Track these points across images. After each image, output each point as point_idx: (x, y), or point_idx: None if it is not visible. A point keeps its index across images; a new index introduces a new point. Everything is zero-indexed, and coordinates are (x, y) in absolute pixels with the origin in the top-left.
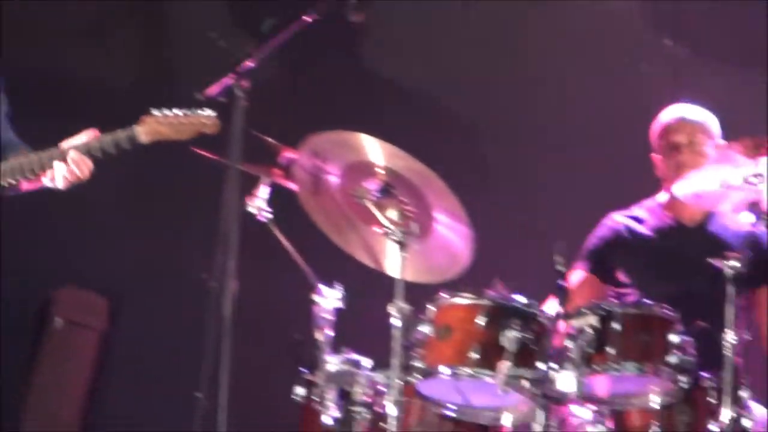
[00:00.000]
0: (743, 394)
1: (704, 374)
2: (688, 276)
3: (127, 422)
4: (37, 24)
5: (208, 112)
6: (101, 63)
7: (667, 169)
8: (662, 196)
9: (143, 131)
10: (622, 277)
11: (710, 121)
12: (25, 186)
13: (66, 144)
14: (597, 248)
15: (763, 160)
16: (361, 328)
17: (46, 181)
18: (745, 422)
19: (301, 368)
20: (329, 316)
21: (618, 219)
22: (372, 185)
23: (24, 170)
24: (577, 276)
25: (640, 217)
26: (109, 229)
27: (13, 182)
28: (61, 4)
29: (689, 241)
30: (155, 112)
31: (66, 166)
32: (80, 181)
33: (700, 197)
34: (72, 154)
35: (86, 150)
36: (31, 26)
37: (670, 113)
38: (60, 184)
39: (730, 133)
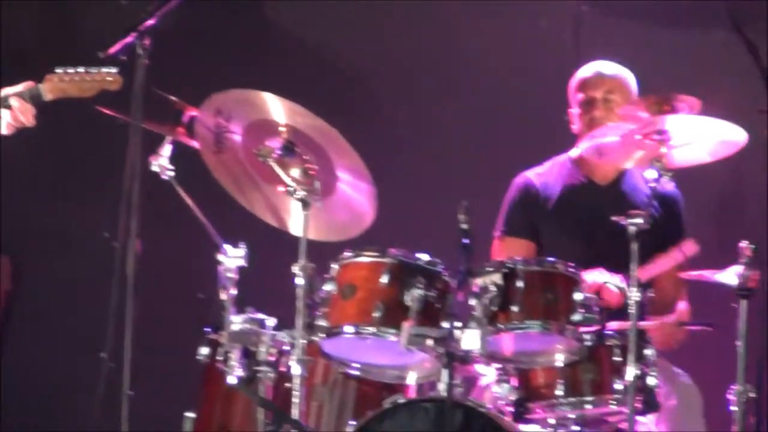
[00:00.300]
0: (648, 352)
1: (609, 332)
2: (596, 234)
3: (31, 382)
4: None
5: (111, 70)
6: (3, 21)
7: (581, 124)
8: (575, 152)
9: (47, 89)
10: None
11: (628, 77)
12: None
13: (4, 92)
14: (514, 210)
15: (667, 116)
16: (265, 288)
17: None
18: (650, 380)
19: (205, 328)
20: (233, 276)
21: (529, 176)
22: (275, 144)
23: None
24: (501, 245)
25: (551, 174)
26: (11, 189)
27: None
28: None
29: (599, 199)
30: (58, 70)
31: (10, 113)
32: (25, 126)
33: (601, 152)
34: (13, 102)
35: (28, 96)
36: None
37: (587, 68)
38: (4, 130)
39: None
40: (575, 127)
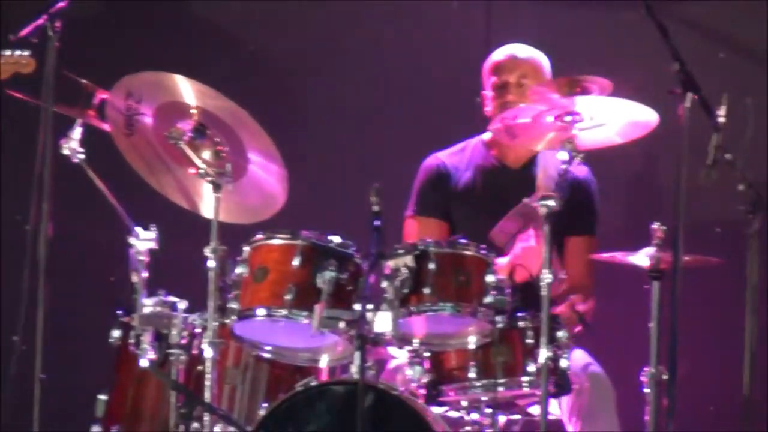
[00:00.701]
0: (560, 334)
1: (521, 314)
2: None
3: None
4: None
5: (24, 53)
6: None
7: (494, 108)
8: (488, 135)
9: None
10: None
11: (542, 60)
12: None
13: None
14: (425, 190)
15: (578, 98)
16: (177, 270)
17: None
18: (563, 362)
19: (117, 311)
20: (144, 258)
21: (440, 157)
22: (186, 126)
23: None
24: (413, 225)
25: (462, 156)
26: None
27: None
28: None
29: (510, 182)
30: None
31: None
32: None
33: (512, 134)
34: None
35: None
36: None
37: (501, 51)
38: None
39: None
40: (488, 109)
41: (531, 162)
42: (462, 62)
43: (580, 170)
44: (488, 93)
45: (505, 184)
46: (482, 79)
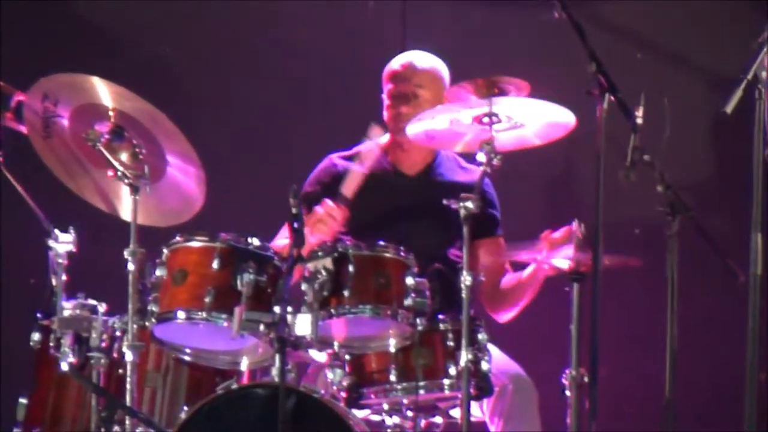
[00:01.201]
0: (480, 336)
1: (441, 317)
2: (404, 223)
3: None
4: None
5: None
6: None
7: (389, 116)
8: (384, 139)
9: None
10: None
11: (441, 70)
12: None
13: None
14: (313, 190)
15: (496, 99)
16: (97, 273)
17: None
18: (484, 365)
19: (36, 313)
20: (63, 261)
21: (335, 160)
22: (103, 128)
23: None
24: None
25: (357, 158)
26: None
27: None
28: None
29: (406, 190)
30: None
31: None
32: None
33: (431, 137)
34: None
35: None
36: None
37: (399, 60)
38: None
39: (459, 73)
40: (387, 117)
41: (427, 169)
42: (378, 62)
43: (475, 175)
44: (385, 100)
45: (398, 189)
46: (381, 84)
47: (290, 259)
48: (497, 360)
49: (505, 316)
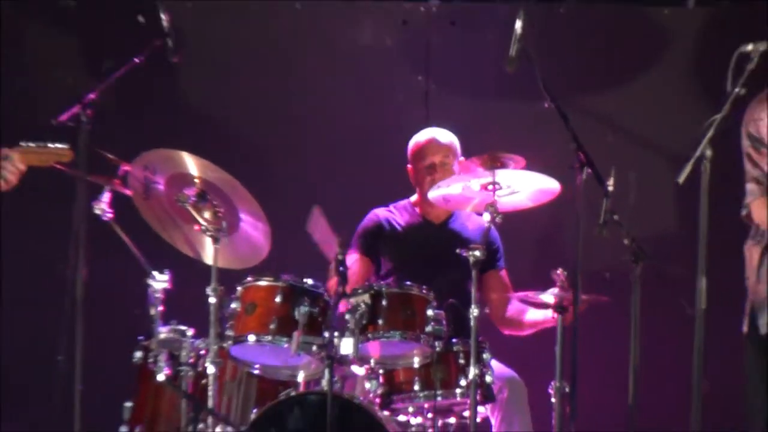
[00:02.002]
0: (485, 355)
1: (454, 340)
2: (432, 263)
3: (6, 380)
4: None
5: (64, 146)
6: None
7: (424, 183)
8: (414, 198)
9: (17, 159)
10: (385, 261)
11: (455, 141)
12: None
13: None
14: (364, 236)
15: (498, 171)
16: (186, 305)
17: None
18: (488, 378)
19: (138, 337)
20: (160, 296)
21: (379, 213)
22: (191, 192)
23: None
24: (352, 258)
25: (396, 213)
26: None
27: None
28: None
29: (433, 236)
30: (22, 144)
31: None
32: (9, 187)
33: (447, 200)
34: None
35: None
36: None
37: (424, 136)
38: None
39: (469, 149)
40: (413, 180)
41: (448, 219)
42: (402, 139)
43: (488, 226)
44: (413, 168)
45: (429, 236)
46: (408, 156)
47: (337, 295)
48: (496, 367)
49: (511, 333)
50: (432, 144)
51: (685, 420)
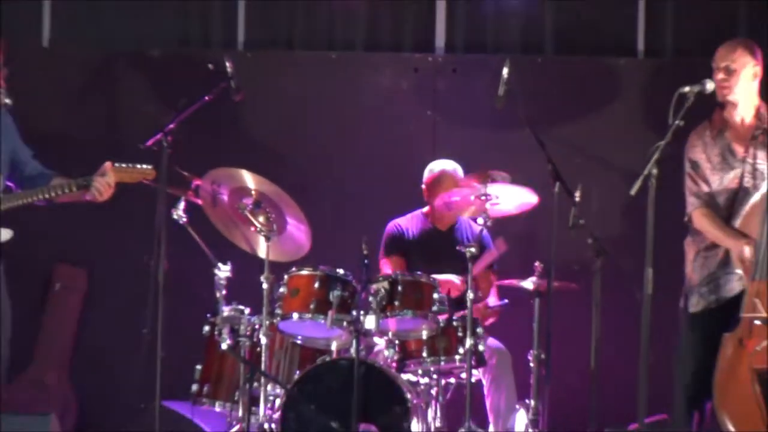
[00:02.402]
0: (479, 330)
1: (454, 318)
2: (439, 259)
3: (99, 350)
4: (38, 92)
5: (149, 166)
6: (80, 124)
7: (441, 204)
8: (426, 209)
9: (111, 176)
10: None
11: (458, 168)
12: (59, 200)
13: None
14: (388, 243)
15: (490, 185)
16: (244, 289)
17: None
18: (480, 347)
19: (207, 314)
20: (224, 282)
21: (397, 223)
22: (248, 201)
23: (61, 189)
24: (384, 263)
25: (410, 222)
26: (87, 229)
27: (53, 195)
28: (61, 80)
29: (441, 239)
30: (117, 164)
31: (95, 189)
32: (104, 198)
33: (449, 207)
34: (97, 182)
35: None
36: (33, 94)
37: (437, 167)
38: (96, 198)
39: (467, 168)
40: (426, 197)
41: (452, 226)
42: (413, 163)
43: (481, 229)
44: (427, 189)
45: (437, 240)
46: (427, 181)
47: (364, 283)
48: (488, 340)
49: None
50: (445, 176)
51: (635, 378)
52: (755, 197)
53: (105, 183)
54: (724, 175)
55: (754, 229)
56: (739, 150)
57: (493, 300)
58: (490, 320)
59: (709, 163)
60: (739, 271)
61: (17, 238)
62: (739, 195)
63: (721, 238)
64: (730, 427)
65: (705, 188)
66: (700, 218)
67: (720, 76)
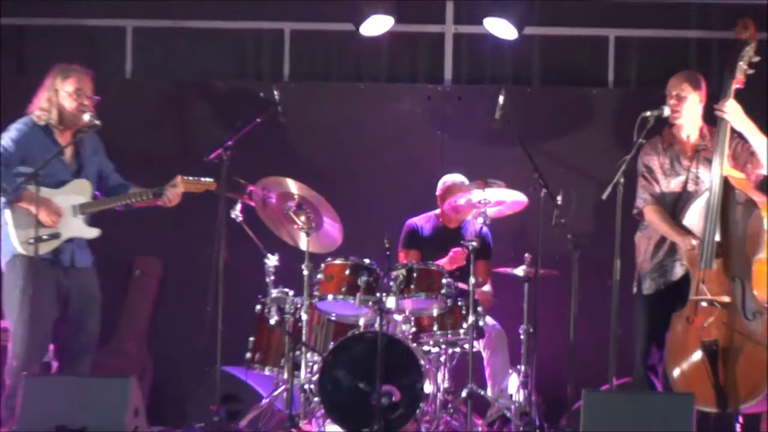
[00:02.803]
0: (479, 308)
1: (459, 299)
2: (449, 252)
3: (171, 324)
4: (121, 116)
5: (211, 179)
6: (154, 143)
7: (450, 210)
8: (437, 211)
9: (180, 186)
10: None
11: (464, 180)
12: (137, 205)
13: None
14: (406, 238)
15: (489, 190)
16: (289, 275)
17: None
18: (480, 322)
19: (258, 296)
20: (272, 269)
21: (414, 221)
22: (292, 204)
23: (138, 197)
24: (402, 255)
25: (425, 221)
26: (162, 227)
27: (131, 202)
28: (140, 105)
29: (450, 235)
30: (184, 177)
31: (166, 197)
32: (173, 204)
33: (456, 211)
34: (168, 192)
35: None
36: (117, 117)
37: (449, 179)
38: (170, 204)
39: (470, 177)
40: (439, 203)
41: (459, 225)
42: (426, 175)
43: (484, 228)
44: (439, 196)
45: (447, 236)
46: (439, 191)
47: (386, 270)
48: (487, 319)
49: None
50: (453, 185)
51: (606, 348)
52: (697, 201)
53: (175, 193)
54: (672, 180)
55: (695, 226)
56: (685, 161)
57: (488, 288)
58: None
59: (660, 169)
60: (682, 259)
61: (104, 235)
62: (683, 198)
63: (670, 233)
64: (681, 387)
65: (657, 189)
66: (651, 213)
67: (672, 102)
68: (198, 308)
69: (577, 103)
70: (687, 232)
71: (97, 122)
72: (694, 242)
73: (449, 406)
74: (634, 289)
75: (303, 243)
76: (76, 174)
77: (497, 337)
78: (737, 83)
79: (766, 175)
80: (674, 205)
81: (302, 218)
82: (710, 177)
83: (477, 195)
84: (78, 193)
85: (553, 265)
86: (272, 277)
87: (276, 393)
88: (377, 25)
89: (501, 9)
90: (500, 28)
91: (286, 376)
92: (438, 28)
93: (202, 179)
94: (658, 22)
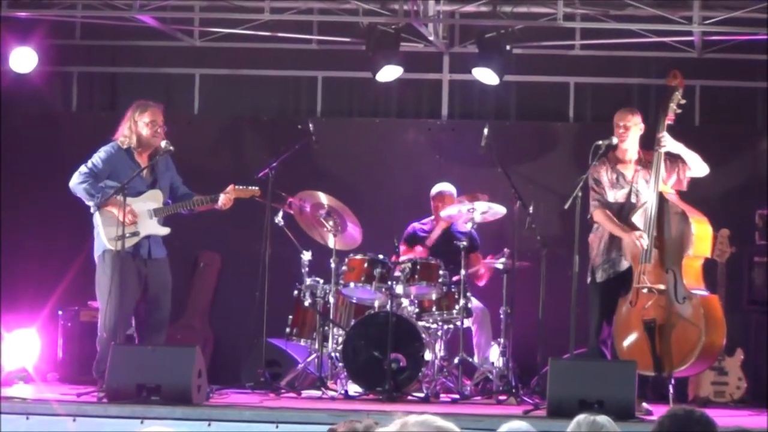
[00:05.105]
0: (468, 294)
1: (452, 286)
2: (443, 249)
3: (228, 305)
4: (189, 142)
5: (256, 188)
6: (215, 163)
7: (445, 218)
8: (433, 217)
9: (231, 193)
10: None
11: (453, 190)
12: (198, 210)
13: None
14: (408, 237)
15: (475, 203)
16: (320, 267)
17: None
18: (469, 304)
19: (296, 283)
20: (307, 263)
21: (415, 225)
22: (323, 211)
23: (200, 202)
24: (403, 248)
25: (425, 224)
26: (222, 227)
27: (194, 207)
28: (204, 134)
29: (444, 235)
30: (236, 186)
31: (222, 201)
32: (227, 208)
33: (450, 217)
34: (222, 198)
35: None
36: (186, 142)
37: (440, 188)
38: (224, 207)
39: (461, 190)
40: (433, 209)
41: (449, 227)
42: (424, 187)
43: (471, 229)
44: (432, 203)
45: (441, 236)
46: (433, 198)
47: (393, 263)
48: (475, 302)
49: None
50: (444, 195)
51: (567, 325)
52: (639, 211)
53: (228, 198)
54: (617, 192)
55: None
56: (628, 177)
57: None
58: (484, 280)
59: (608, 181)
60: (626, 256)
61: (176, 235)
62: (625, 207)
63: (617, 231)
64: (626, 356)
65: (604, 197)
66: (600, 214)
67: (620, 130)
68: (249, 293)
69: (545, 134)
70: (630, 228)
71: (171, 148)
72: (637, 233)
73: (444, 370)
74: (589, 279)
75: (331, 242)
76: (151, 186)
77: (482, 316)
78: (669, 120)
79: (692, 177)
80: (619, 214)
81: (330, 223)
82: (648, 192)
83: (466, 206)
84: (153, 200)
85: (526, 259)
86: (306, 269)
87: (309, 359)
88: (389, 73)
89: (486, 61)
90: (485, 76)
91: (317, 346)
92: (437, 76)
93: (249, 187)
94: (608, 71)
